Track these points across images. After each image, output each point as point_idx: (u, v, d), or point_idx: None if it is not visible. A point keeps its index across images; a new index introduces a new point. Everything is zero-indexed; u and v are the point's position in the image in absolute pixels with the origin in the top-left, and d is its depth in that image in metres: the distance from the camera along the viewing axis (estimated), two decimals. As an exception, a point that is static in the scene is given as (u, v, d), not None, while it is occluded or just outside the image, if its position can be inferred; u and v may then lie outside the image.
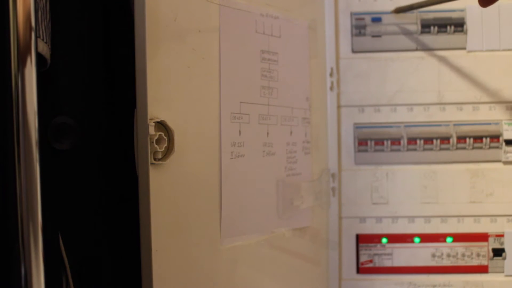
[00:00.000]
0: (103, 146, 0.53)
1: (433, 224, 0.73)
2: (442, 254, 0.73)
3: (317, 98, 0.70)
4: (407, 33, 0.74)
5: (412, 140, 0.73)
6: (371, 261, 0.74)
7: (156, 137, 0.46)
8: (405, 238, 0.73)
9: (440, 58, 0.74)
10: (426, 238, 0.73)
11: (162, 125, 0.48)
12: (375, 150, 0.74)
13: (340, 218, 0.74)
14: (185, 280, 0.50)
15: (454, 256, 0.73)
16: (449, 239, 0.73)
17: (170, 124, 0.48)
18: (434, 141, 0.73)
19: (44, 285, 0.37)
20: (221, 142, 0.54)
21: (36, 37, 0.38)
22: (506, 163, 0.73)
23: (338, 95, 0.74)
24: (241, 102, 0.57)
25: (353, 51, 0.75)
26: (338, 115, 0.74)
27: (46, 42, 0.45)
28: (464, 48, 0.74)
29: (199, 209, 0.52)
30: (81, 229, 0.51)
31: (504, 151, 0.72)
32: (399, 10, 0.72)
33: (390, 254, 0.73)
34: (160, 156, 0.47)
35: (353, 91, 0.74)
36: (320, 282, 0.72)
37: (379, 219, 0.74)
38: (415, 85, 0.74)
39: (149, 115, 0.46)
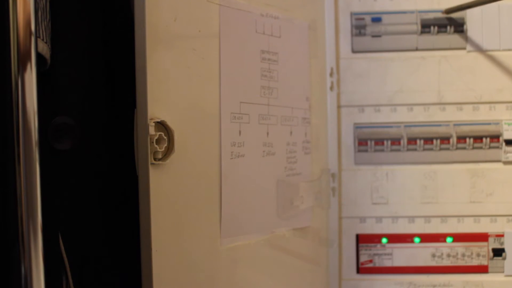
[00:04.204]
0: (103, 146, 0.53)
1: (433, 224, 0.73)
2: (442, 254, 0.73)
3: (317, 98, 0.70)
4: (407, 33, 0.74)
5: (412, 140, 0.73)
6: (371, 261, 0.74)
7: (156, 137, 0.46)
8: (405, 238, 0.73)
9: (440, 58, 0.74)
10: (426, 238, 0.73)
11: (162, 125, 0.48)
12: (375, 150, 0.74)
13: (340, 218, 0.74)
14: (185, 280, 0.50)
15: (454, 256, 0.73)
16: (449, 239, 0.73)
17: (170, 124, 0.48)
18: (434, 141, 0.73)
19: (44, 285, 0.37)
20: (221, 142, 0.54)
21: (36, 37, 0.38)
22: (506, 163, 0.73)
23: (338, 95, 0.74)
24: (241, 102, 0.57)
25: (353, 51, 0.75)
26: (338, 115, 0.74)
27: (46, 42, 0.45)
28: (464, 48, 0.74)
29: (199, 209, 0.52)
30: (81, 229, 0.51)
31: (504, 151, 0.72)
32: (449, 11, 0.72)
33: (390, 254, 0.73)
34: (160, 156, 0.47)
35: (353, 91, 0.74)
36: (320, 282, 0.72)
37: (379, 219, 0.74)
38: (415, 85, 0.74)
39: (149, 115, 0.46)
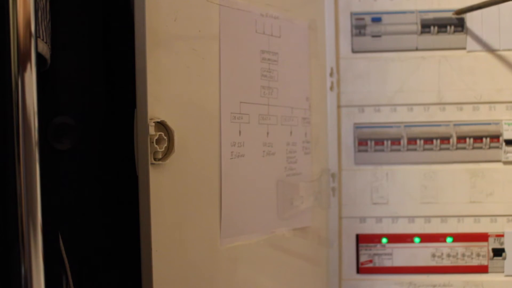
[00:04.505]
0: (103, 146, 0.53)
1: (433, 224, 0.73)
2: (442, 254, 0.73)
3: (317, 98, 0.70)
4: (407, 33, 0.74)
5: (412, 140, 0.73)
6: (371, 261, 0.74)
7: (156, 137, 0.46)
8: (405, 238, 0.73)
9: (440, 58, 0.74)
10: (426, 238, 0.73)
11: (162, 125, 0.48)
12: (375, 150, 0.74)
13: (340, 218, 0.74)
14: (185, 280, 0.50)
15: (454, 256, 0.73)
16: (449, 239, 0.73)
17: (170, 124, 0.48)
18: (434, 141, 0.73)
19: (44, 285, 0.37)
20: (221, 142, 0.54)
21: (36, 37, 0.38)
22: (506, 163, 0.73)
23: (338, 95, 0.74)
24: (241, 102, 0.57)
25: (353, 51, 0.75)
26: (338, 115, 0.74)
27: (46, 42, 0.45)
28: (464, 48, 0.74)
29: (199, 209, 0.52)
30: (81, 229, 0.51)
31: (504, 151, 0.72)
32: (460, 12, 0.72)
33: (390, 254, 0.73)
34: (160, 156, 0.47)
35: (353, 91, 0.74)
36: (320, 282, 0.72)
37: (379, 219, 0.74)
38: (415, 85, 0.74)
39: (149, 115, 0.46)
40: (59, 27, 0.49)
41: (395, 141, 0.74)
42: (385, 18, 0.74)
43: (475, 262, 0.72)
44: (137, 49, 0.46)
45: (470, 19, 0.73)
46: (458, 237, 0.73)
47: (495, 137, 0.73)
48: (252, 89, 0.58)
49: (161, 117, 0.48)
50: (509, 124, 0.72)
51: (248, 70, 0.58)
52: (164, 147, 0.47)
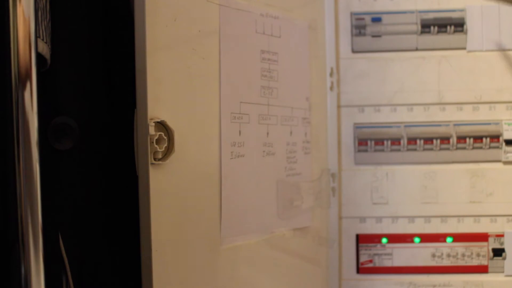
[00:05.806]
0: (103, 146, 0.53)
1: (433, 224, 0.73)
2: (442, 254, 0.73)
3: (317, 98, 0.70)
4: (407, 33, 0.74)
5: (412, 140, 0.73)
6: (371, 261, 0.74)
7: (156, 137, 0.46)
8: (405, 238, 0.73)
9: (440, 58, 0.74)
10: (426, 238, 0.73)
11: (162, 125, 0.48)
12: (375, 150, 0.74)
13: (340, 218, 0.74)
14: (185, 280, 0.50)
15: (454, 256, 0.73)
16: (449, 239, 0.73)
17: (170, 124, 0.48)
18: (434, 141, 0.73)
19: (44, 285, 0.37)
20: (221, 142, 0.54)
21: (36, 37, 0.38)
22: (506, 163, 0.73)
23: (338, 95, 0.74)
24: (241, 102, 0.57)
25: (353, 51, 0.75)
26: (338, 115, 0.74)
27: (46, 42, 0.45)
28: (464, 48, 0.74)
29: (199, 209, 0.52)
30: (81, 229, 0.51)
31: (504, 151, 0.72)
32: None
33: (390, 254, 0.73)
34: (160, 156, 0.47)
35: (353, 91, 0.74)
36: (320, 282, 0.72)
37: (379, 219, 0.74)
38: (415, 85, 0.74)
39: (149, 115, 0.46)
40: (59, 27, 0.49)
41: (395, 141, 0.74)
42: (385, 18, 0.74)
43: (475, 262, 0.72)
44: (137, 49, 0.46)
45: (470, 19, 0.73)
46: (458, 237, 0.73)
47: (495, 137, 0.73)
48: (252, 89, 0.58)
49: (161, 117, 0.48)
50: (509, 124, 0.72)
51: (248, 70, 0.58)
52: (164, 147, 0.47)
